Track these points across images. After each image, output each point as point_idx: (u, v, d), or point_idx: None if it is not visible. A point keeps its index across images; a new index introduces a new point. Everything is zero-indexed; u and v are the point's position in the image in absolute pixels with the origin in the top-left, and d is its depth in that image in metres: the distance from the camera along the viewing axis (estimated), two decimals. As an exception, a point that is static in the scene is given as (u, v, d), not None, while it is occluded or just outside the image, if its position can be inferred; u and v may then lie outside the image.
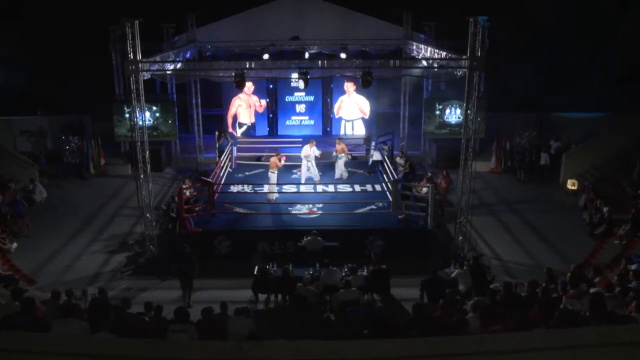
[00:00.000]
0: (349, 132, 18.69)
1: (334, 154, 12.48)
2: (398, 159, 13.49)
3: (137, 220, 11.17)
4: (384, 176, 12.49)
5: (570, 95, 15.51)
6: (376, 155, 13.56)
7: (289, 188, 11.85)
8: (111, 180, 14.78)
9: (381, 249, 9.63)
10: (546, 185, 14.17)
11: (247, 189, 12.13)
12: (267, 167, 13.99)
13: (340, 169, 12.52)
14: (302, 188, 11.73)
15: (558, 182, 14.17)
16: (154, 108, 15.50)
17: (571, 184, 13.46)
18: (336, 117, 18.68)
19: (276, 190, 11.25)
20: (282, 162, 11.32)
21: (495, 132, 15.82)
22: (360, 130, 18.46)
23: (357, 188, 12.04)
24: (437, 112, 15.84)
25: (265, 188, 11.37)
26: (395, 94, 16.52)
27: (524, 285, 6.69)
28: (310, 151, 12.25)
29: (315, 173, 12.33)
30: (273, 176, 11.26)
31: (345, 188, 11.99)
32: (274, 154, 11.52)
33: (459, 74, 9.65)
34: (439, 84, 15.89)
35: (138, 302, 7.25)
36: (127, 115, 15.28)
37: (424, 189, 10.89)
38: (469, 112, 9.29)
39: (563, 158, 14.40)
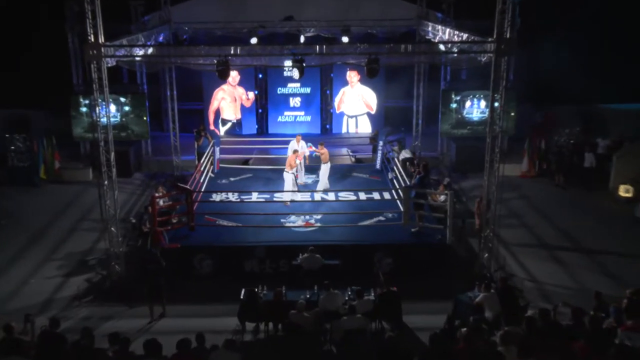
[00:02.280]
0: (352, 129, 18.80)
1: (315, 154, 12.46)
2: (403, 153, 13.68)
3: (99, 235, 11.03)
4: (394, 182, 12.55)
5: (621, 83, 15.08)
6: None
7: (282, 196, 11.90)
8: (68, 187, 14.69)
9: (391, 267, 9.63)
10: (592, 192, 13.82)
11: (233, 197, 12.15)
12: (255, 172, 14.13)
13: (324, 181, 12.46)
14: (297, 196, 11.78)
15: (607, 188, 13.79)
16: (122, 100, 15.56)
17: (624, 190, 13.15)
18: (337, 112, 18.82)
19: (292, 193, 11.53)
20: (298, 161, 11.76)
21: (528, 129, 15.89)
22: (365, 128, 18.57)
23: (362, 196, 12.08)
24: (455, 106, 15.94)
25: (285, 189, 11.62)
26: (407, 85, 16.65)
27: (567, 312, 6.57)
28: (298, 146, 12.41)
29: (302, 176, 12.55)
30: (288, 178, 11.50)
31: (348, 196, 12.04)
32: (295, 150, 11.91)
33: (483, 60, 9.66)
34: (460, 72, 16.00)
35: (100, 333, 7.18)
36: (84, 110, 15.30)
37: (442, 197, 10.90)
38: (495, 105, 9.30)
39: (614, 159, 13.96)
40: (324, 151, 12.34)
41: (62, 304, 9.12)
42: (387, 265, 9.67)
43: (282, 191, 11.82)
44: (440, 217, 10.10)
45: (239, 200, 12.03)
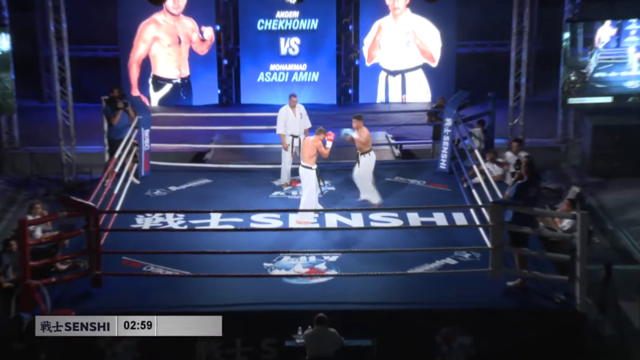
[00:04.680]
0: (394, 97, 19.01)
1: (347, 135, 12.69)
2: (509, 154, 13.65)
3: None
4: (474, 193, 12.57)
5: None
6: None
7: (268, 220, 12.00)
8: None
9: (470, 355, 9.70)
10: None
11: (174, 222, 12.25)
12: (216, 176, 14.20)
13: (367, 188, 12.74)
14: (295, 219, 11.91)
15: None
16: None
17: None
18: (368, 64, 19.01)
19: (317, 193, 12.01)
20: (329, 144, 12.05)
21: None
22: (420, 94, 18.78)
23: (414, 219, 12.13)
24: (593, 54, 15.99)
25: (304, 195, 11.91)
26: (496, 14, 16.94)
27: None
28: (294, 115, 13.19)
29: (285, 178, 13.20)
30: (311, 178, 11.90)
31: (388, 220, 12.12)
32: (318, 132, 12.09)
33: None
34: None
35: None
36: None
37: (565, 222, 10.93)
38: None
39: None
40: (362, 134, 12.46)
41: None
42: (463, 351, 9.67)
43: (285, 210, 12.11)
44: (563, 259, 10.10)
45: (185, 227, 12.09)
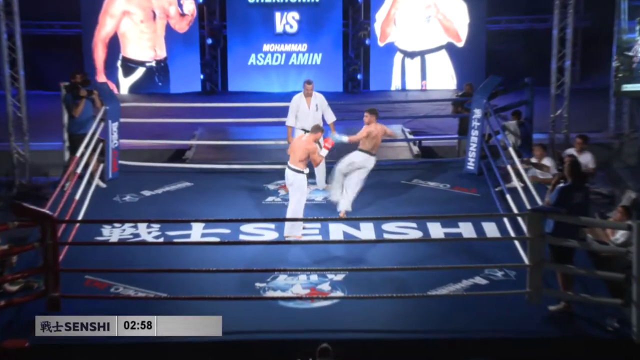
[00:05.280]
0: (412, 83, 19.08)
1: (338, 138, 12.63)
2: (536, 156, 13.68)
3: None
4: (508, 199, 12.55)
5: None
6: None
7: (260, 231, 12.07)
8: None
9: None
10: None
11: (147, 234, 12.26)
12: (198, 179, 14.20)
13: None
14: (289, 229, 11.93)
15: None
16: None
17: None
18: (381, 44, 19.05)
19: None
20: (325, 151, 12.04)
21: None
22: (443, 80, 18.89)
23: (437, 230, 12.19)
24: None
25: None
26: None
27: None
28: (308, 107, 13.18)
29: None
30: (302, 183, 11.92)
31: (405, 230, 12.19)
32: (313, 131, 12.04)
33: None
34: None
35: None
36: None
37: (619, 234, 10.94)
38: None
39: None
40: (374, 129, 12.46)
41: None
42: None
43: (277, 220, 12.09)
44: (616, 278, 10.04)
45: (161, 240, 12.05)
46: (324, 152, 12.03)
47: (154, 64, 18.55)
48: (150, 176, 14.45)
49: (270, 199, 13.47)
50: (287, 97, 13.47)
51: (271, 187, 13.77)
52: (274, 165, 13.85)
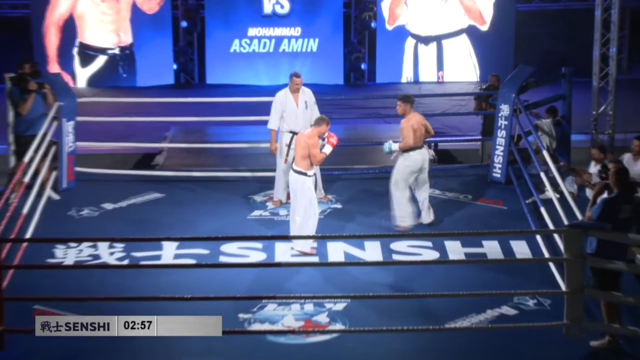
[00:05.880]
0: (426, 74, 19.24)
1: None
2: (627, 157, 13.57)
3: None
4: (543, 212, 12.64)
5: None
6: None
7: (245, 251, 12.07)
8: None
9: None
10: None
11: (111, 253, 12.26)
12: (170, 188, 14.19)
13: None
14: (281, 250, 11.98)
15: None
16: None
17: None
18: (390, 27, 19.16)
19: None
20: (329, 148, 12.08)
21: None
22: (463, 70, 19.09)
23: (456, 248, 12.23)
24: None
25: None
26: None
27: None
28: (297, 103, 13.18)
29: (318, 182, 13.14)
30: (310, 188, 11.98)
31: (418, 250, 12.21)
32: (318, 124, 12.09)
33: None
34: None
35: None
36: None
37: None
38: None
39: None
40: (414, 120, 12.59)
41: None
42: None
43: (270, 237, 12.16)
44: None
45: (125, 262, 12.04)
46: (328, 149, 12.02)
47: (117, 51, 18.59)
48: (112, 186, 14.58)
49: (256, 212, 13.51)
50: (277, 91, 13.38)
51: (258, 198, 13.85)
52: (261, 172, 13.96)
